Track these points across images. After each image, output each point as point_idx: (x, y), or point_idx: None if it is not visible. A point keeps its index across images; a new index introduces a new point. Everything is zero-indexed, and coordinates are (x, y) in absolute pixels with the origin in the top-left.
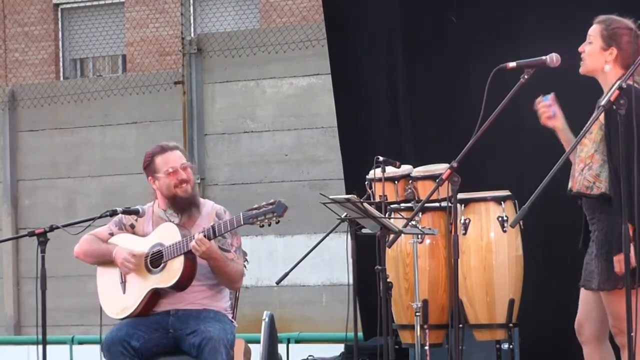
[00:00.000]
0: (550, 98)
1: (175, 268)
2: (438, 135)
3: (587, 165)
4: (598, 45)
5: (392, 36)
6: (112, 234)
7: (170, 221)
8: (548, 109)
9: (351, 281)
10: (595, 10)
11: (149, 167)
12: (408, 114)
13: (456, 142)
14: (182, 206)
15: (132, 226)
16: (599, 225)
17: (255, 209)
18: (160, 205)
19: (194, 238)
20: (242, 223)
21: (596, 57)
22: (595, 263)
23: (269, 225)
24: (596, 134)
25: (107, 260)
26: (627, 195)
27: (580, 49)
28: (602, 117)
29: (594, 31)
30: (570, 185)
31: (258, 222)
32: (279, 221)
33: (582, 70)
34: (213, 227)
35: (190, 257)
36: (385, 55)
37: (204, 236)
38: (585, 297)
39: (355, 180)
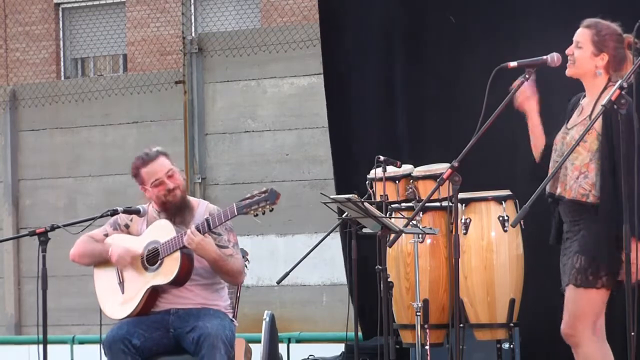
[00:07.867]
0: (530, 80)
1: (172, 264)
2: (439, 135)
3: (583, 174)
4: (589, 50)
5: (391, 36)
6: (107, 235)
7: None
8: (527, 89)
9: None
10: (595, 10)
11: (137, 178)
12: (407, 114)
13: (457, 142)
14: (174, 212)
15: (127, 226)
16: (586, 224)
17: (248, 198)
18: (155, 206)
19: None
20: (236, 213)
21: (587, 62)
22: (575, 259)
23: (263, 213)
24: (591, 143)
25: (102, 260)
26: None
27: (568, 52)
28: (598, 126)
29: (584, 36)
30: (554, 189)
31: (252, 212)
32: (272, 209)
33: (570, 72)
34: (207, 219)
35: (186, 252)
36: (383, 55)
37: (198, 230)
38: None
39: (346, 182)
